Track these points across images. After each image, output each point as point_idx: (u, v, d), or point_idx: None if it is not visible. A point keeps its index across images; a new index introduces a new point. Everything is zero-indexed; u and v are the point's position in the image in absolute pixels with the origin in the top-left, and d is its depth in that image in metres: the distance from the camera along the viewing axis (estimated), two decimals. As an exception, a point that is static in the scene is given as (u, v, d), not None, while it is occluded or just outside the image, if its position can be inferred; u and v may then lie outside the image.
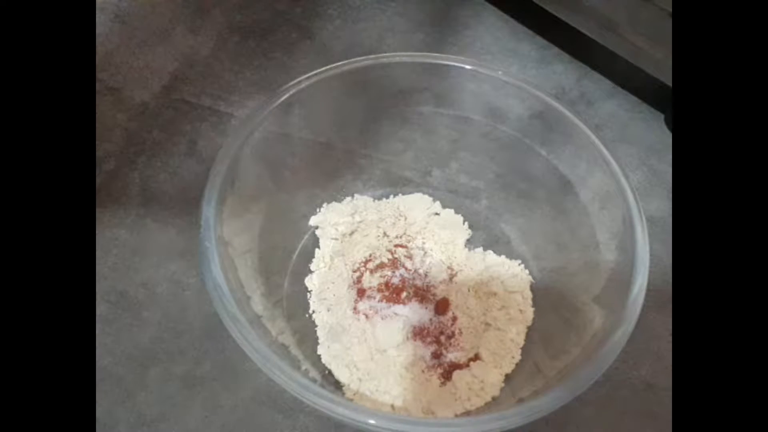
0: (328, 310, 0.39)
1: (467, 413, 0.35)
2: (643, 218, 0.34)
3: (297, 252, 0.42)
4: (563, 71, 0.53)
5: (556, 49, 0.55)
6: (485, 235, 0.43)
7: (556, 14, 0.50)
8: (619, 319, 0.31)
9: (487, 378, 0.37)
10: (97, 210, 0.43)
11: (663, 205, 0.43)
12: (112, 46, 0.52)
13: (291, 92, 0.38)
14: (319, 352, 0.38)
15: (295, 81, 0.38)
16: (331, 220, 0.42)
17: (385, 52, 0.53)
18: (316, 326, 0.39)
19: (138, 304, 0.40)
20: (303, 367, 0.35)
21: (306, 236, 0.43)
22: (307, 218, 0.43)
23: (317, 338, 0.38)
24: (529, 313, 0.40)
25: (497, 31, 0.56)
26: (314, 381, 0.32)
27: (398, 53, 0.41)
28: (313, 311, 0.40)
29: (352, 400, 0.35)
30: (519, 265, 0.42)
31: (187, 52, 0.52)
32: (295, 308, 0.40)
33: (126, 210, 0.44)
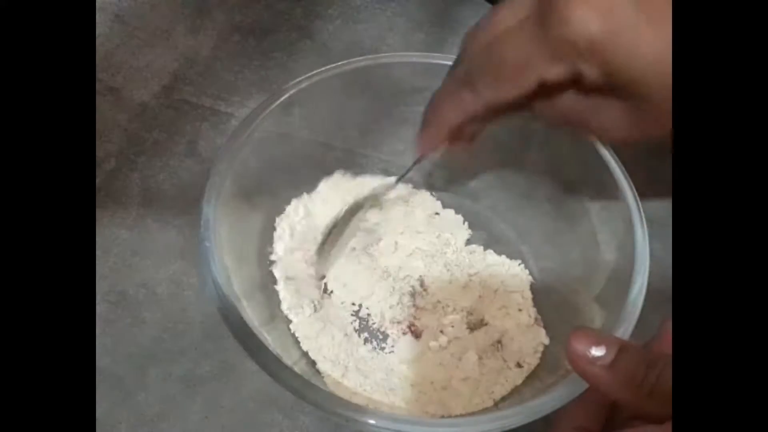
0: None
1: (469, 413, 0.35)
2: (643, 218, 0.34)
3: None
4: (563, 71, 0.53)
5: (556, 49, 0.55)
6: (485, 235, 0.43)
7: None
8: (619, 319, 0.31)
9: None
10: (97, 210, 0.43)
11: (663, 205, 0.43)
12: (112, 46, 0.52)
13: (291, 92, 0.38)
14: (318, 353, 0.38)
15: (296, 81, 0.38)
16: None
17: (386, 52, 0.53)
18: (316, 326, 0.39)
19: (138, 304, 0.40)
20: (303, 368, 0.35)
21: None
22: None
23: (317, 338, 0.38)
24: (530, 313, 0.40)
25: (497, 31, 0.56)
26: (314, 381, 0.32)
27: (398, 53, 0.41)
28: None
29: (349, 399, 0.35)
30: (519, 265, 0.41)
31: (187, 52, 0.52)
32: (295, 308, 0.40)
33: (126, 210, 0.44)
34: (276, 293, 0.39)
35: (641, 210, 0.34)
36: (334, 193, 0.42)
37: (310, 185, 0.42)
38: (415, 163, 0.38)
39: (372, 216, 0.42)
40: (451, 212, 0.44)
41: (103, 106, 0.49)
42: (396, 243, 0.42)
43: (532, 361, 0.37)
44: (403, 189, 0.43)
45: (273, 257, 0.39)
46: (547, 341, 0.38)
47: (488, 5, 0.57)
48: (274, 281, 0.39)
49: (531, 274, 0.41)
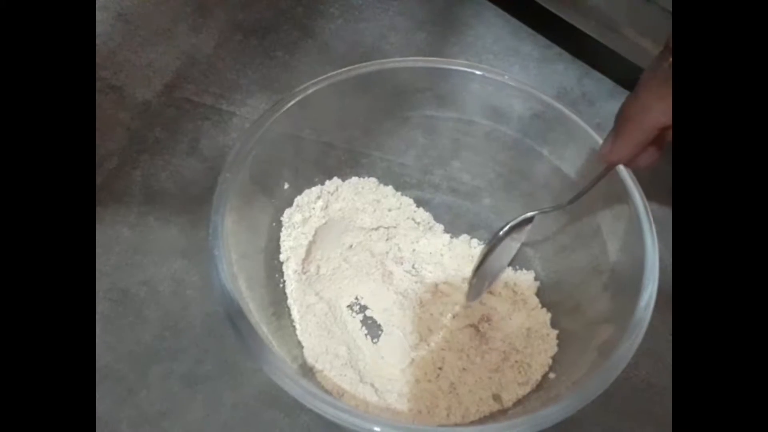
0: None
1: (477, 421, 0.35)
2: (652, 222, 0.33)
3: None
4: (564, 70, 0.53)
5: (557, 49, 0.55)
6: (487, 235, 0.43)
7: (558, 13, 0.50)
8: (627, 329, 0.31)
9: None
10: (100, 208, 0.43)
11: (663, 205, 0.43)
12: (115, 45, 0.52)
13: (298, 98, 0.38)
14: (323, 358, 0.37)
15: (302, 87, 0.38)
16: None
17: (387, 52, 0.53)
18: (321, 331, 0.39)
19: (140, 302, 0.40)
20: (307, 373, 0.35)
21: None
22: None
23: (320, 340, 0.38)
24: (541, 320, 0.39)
25: (499, 30, 0.56)
26: (319, 387, 0.31)
27: (405, 58, 0.41)
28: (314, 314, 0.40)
29: (353, 405, 0.35)
30: (529, 271, 0.41)
31: (190, 51, 0.52)
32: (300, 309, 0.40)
33: (128, 208, 0.44)
34: (283, 298, 0.39)
35: (649, 213, 0.34)
36: (353, 196, 0.42)
37: (314, 185, 0.42)
38: (602, 175, 0.35)
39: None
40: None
41: (105, 104, 0.49)
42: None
43: (541, 368, 0.37)
44: None
45: (282, 257, 0.40)
46: (556, 349, 0.37)
47: (490, 4, 0.57)
48: (282, 285, 0.39)
49: (537, 277, 0.41)
